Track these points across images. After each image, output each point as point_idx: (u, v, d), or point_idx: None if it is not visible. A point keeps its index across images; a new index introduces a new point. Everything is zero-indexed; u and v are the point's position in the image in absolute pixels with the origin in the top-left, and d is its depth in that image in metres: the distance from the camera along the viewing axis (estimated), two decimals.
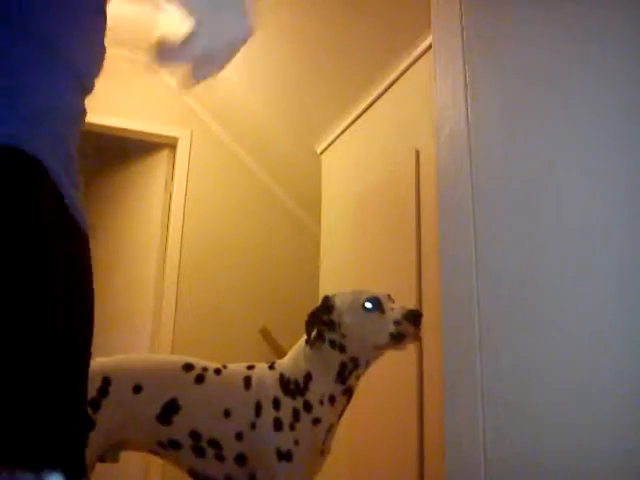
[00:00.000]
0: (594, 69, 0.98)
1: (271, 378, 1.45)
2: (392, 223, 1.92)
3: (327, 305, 1.47)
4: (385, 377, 1.93)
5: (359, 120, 2.38)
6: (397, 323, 1.42)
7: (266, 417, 1.40)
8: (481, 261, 1.15)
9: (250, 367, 1.49)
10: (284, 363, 1.49)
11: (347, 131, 2.49)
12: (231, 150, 3.29)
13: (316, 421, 1.41)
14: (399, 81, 2.09)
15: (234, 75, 2.77)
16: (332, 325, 1.45)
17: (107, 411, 1.33)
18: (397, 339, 1.42)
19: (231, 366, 1.50)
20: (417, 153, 1.90)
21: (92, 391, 1.31)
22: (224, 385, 1.45)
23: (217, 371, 1.46)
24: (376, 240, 1.76)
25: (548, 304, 0.99)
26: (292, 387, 1.43)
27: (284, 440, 1.38)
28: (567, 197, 0.99)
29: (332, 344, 1.44)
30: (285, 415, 1.40)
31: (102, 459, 1.38)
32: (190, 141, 3.14)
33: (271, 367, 1.48)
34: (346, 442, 2.14)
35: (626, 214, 0.89)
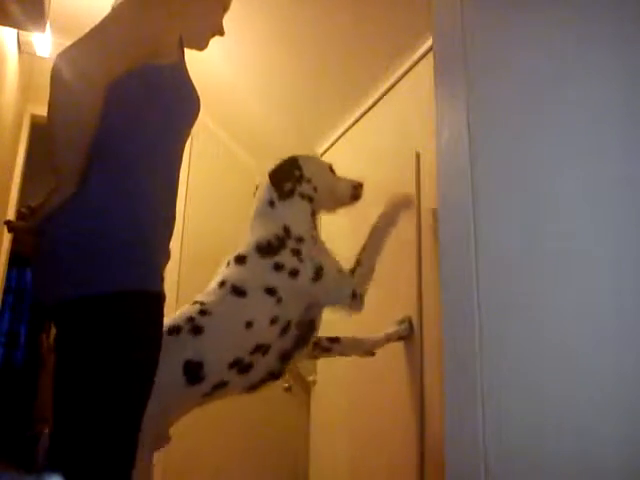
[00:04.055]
0: (598, 71, 0.98)
1: (253, 264, 1.51)
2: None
3: (296, 163, 1.65)
4: (385, 377, 1.93)
5: (360, 122, 2.39)
6: (355, 187, 1.72)
7: (281, 283, 1.47)
8: (481, 263, 1.15)
9: (220, 284, 1.53)
10: (251, 239, 1.55)
11: (348, 132, 2.49)
12: (231, 150, 3.29)
13: (313, 237, 1.57)
14: (400, 83, 2.09)
15: (235, 76, 2.78)
16: (302, 179, 1.63)
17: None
18: (352, 199, 1.73)
19: (208, 302, 1.49)
20: (417, 155, 1.91)
21: None
22: (231, 308, 1.47)
23: (203, 312, 1.45)
24: None
25: (549, 304, 1.00)
26: (275, 242, 1.53)
27: (306, 270, 1.50)
28: (568, 199, 1.00)
29: (302, 196, 1.62)
30: (287, 260, 1.50)
31: (158, 448, 1.37)
32: (190, 141, 3.15)
33: (237, 261, 1.54)
34: (346, 442, 2.14)
35: (627, 208, 0.90)
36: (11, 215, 2.79)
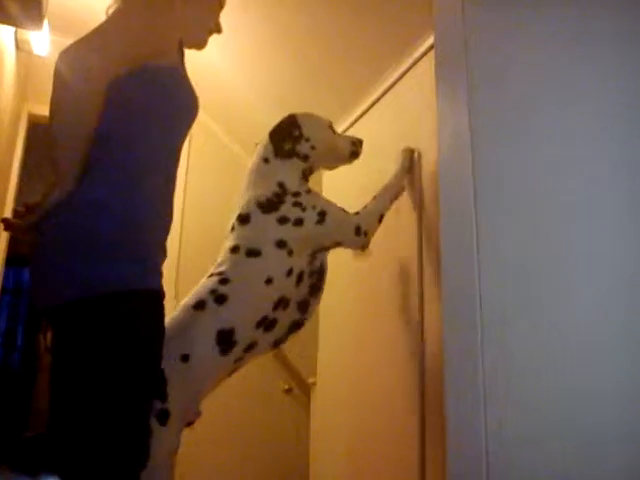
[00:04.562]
0: (597, 69, 0.98)
1: (259, 222, 1.54)
2: (393, 225, 1.92)
3: (295, 122, 1.67)
4: (386, 378, 1.93)
5: (360, 121, 2.38)
6: (354, 144, 1.77)
7: (288, 234, 1.52)
8: (483, 262, 1.14)
9: (233, 250, 1.52)
10: (249, 196, 1.58)
11: (348, 132, 2.48)
12: (231, 150, 3.28)
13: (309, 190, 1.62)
14: (400, 82, 2.08)
15: (234, 75, 2.77)
16: (300, 138, 1.66)
17: (177, 394, 1.30)
18: (352, 157, 1.78)
19: (226, 270, 1.49)
20: (419, 154, 1.90)
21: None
22: (249, 270, 1.50)
23: (223, 281, 1.46)
24: (376, 241, 1.76)
25: (550, 303, 0.99)
26: (274, 199, 1.57)
27: (310, 217, 1.56)
28: (569, 198, 0.99)
29: (297, 155, 1.65)
30: (290, 212, 1.55)
31: (189, 425, 1.38)
32: (188, 140, 3.13)
33: (241, 222, 1.56)
34: (346, 444, 2.13)
35: (627, 205, 0.89)
36: (8, 213, 2.78)
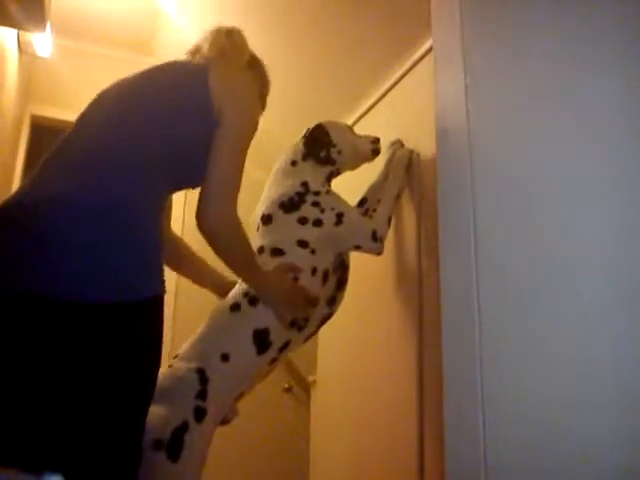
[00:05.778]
0: (595, 69, 0.98)
1: (280, 222, 1.60)
2: (392, 224, 1.93)
3: (324, 130, 1.78)
4: (385, 375, 1.93)
5: (359, 122, 2.39)
6: (372, 142, 1.85)
7: (309, 234, 1.57)
8: (482, 261, 1.15)
9: (259, 251, 1.57)
10: (273, 196, 1.64)
11: None
12: None
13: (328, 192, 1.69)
14: (400, 83, 2.09)
15: None
16: (330, 145, 1.75)
17: (214, 393, 1.35)
18: (374, 154, 1.86)
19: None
20: (417, 155, 1.91)
21: (196, 385, 1.34)
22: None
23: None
24: None
25: (550, 305, 1.00)
26: (296, 198, 1.62)
27: (328, 218, 1.61)
28: (569, 197, 1.00)
29: (326, 160, 1.74)
30: (310, 212, 1.60)
31: (224, 423, 1.43)
32: None
33: (265, 222, 1.61)
34: (347, 443, 2.14)
35: (627, 205, 0.90)
36: None
